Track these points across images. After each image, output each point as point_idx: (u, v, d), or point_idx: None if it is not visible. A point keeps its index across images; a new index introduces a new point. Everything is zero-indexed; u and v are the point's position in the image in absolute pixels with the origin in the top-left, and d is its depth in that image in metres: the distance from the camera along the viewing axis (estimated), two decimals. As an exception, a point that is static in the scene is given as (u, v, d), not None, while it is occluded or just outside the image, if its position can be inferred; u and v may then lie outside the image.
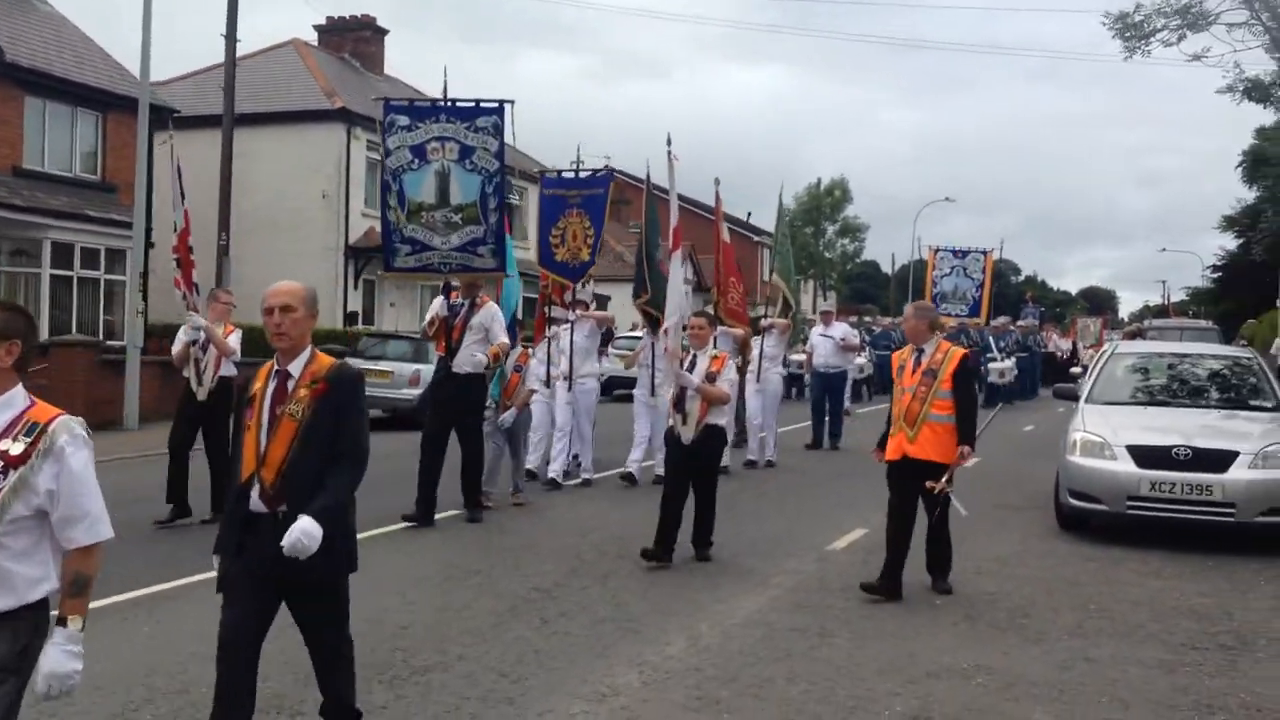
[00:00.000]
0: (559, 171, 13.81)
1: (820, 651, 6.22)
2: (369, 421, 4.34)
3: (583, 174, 13.37)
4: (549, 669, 5.80)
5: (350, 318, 28.43)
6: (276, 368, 4.18)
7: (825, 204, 52.63)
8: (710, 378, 8.28)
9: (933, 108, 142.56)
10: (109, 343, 20.02)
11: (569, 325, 12.19)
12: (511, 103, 10.03)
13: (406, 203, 9.99)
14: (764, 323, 14.68)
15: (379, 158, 12.30)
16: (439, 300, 9.87)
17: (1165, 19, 24.13)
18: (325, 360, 4.21)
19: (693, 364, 8.38)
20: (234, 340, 9.62)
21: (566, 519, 10.11)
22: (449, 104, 10.21)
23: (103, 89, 22.54)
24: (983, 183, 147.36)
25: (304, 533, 3.98)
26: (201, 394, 9.54)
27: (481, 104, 10.06)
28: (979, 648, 6.36)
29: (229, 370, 9.45)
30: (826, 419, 16.16)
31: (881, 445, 7.69)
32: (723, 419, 8.48)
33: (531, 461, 12.00)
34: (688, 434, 8.24)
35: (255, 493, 4.13)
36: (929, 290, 24.42)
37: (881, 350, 25.19)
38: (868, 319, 29.59)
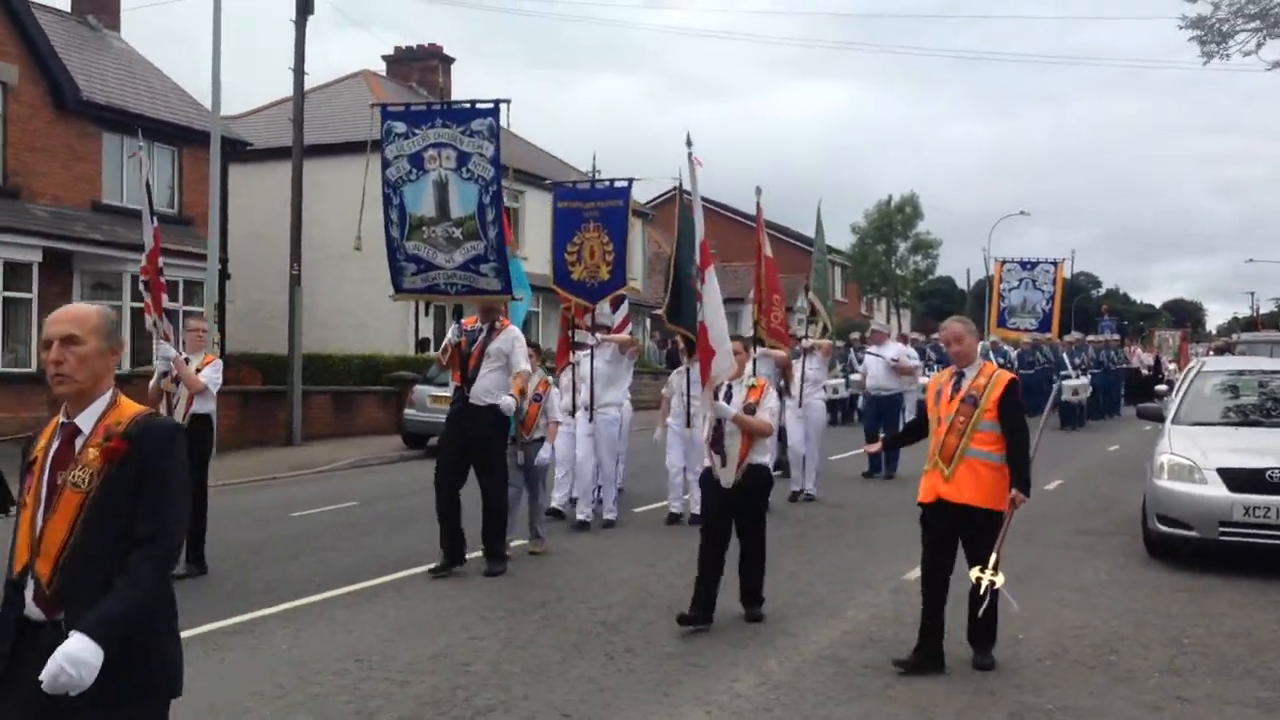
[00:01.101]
0: (574, 182, 12.63)
1: (895, 690, 5.97)
2: (188, 487, 3.29)
3: (599, 184, 12.20)
4: (613, 709, 5.64)
5: (422, 344, 28.60)
6: (63, 420, 3.14)
7: (896, 221, 51.93)
8: (749, 409, 7.25)
9: (1006, 121, 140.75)
10: (186, 373, 20.29)
11: (589, 351, 11.28)
12: (507, 102, 9.12)
13: (407, 218, 9.21)
14: (804, 343, 13.44)
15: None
16: (454, 327, 9.12)
17: (1245, 20, 23.35)
18: (128, 409, 3.13)
19: (729, 394, 7.36)
20: (210, 373, 8.78)
21: (633, 549, 9.94)
22: (444, 106, 9.47)
23: (177, 124, 23.01)
24: (1059, 195, 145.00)
25: (69, 660, 2.80)
26: None
27: (477, 105, 9.20)
28: (1064, 686, 6.06)
29: (204, 406, 8.76)
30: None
31: (884, 442, 7.73)
32: (766, 456, 7.40)
33: (557, 500, 11.15)
34: (728, 476, 7.18)
35: (30, 593, 3.02)
36: (995, 304, 23.75)
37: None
38: (935, 335, 29.15)
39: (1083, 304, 58.90)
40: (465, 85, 44.86)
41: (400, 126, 9.23)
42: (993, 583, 6.12)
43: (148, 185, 9.26)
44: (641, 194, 42.75)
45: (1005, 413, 6.20)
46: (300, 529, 11.22)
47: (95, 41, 24.33)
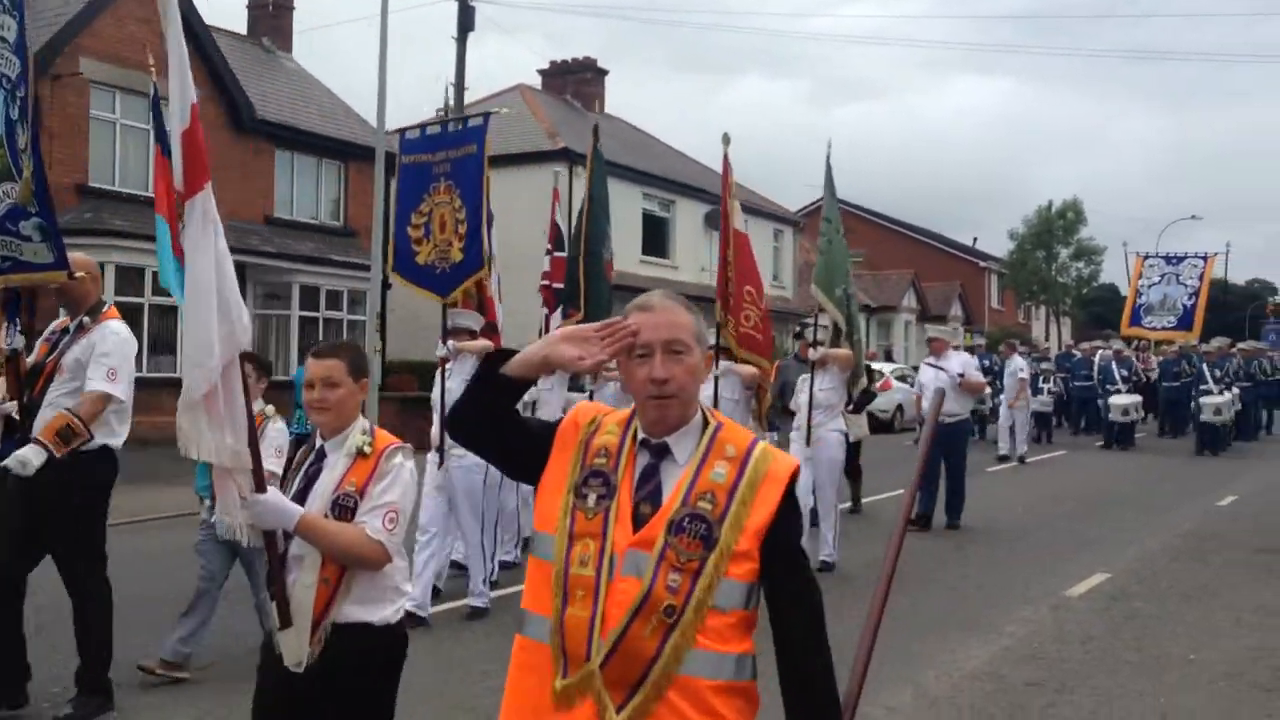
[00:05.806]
0: (421, 128, 9.07)
1: (1058, 709, 5.79)
2: None
3: (451, 127, 8.73)
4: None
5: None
6: None
7: (1057, 226, 50.35)
8: (340, 504, 3.30)
9: (1179, 120, 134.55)
10: (350, 379, 21.05)
11: (441, 367, 7.82)
12: None
13: None
14: (813, 354, 9.40)
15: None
16: (8, 329, 5.43)
17: None
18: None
19: (314, 470, 3.43)
20: None
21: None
22: None
23: (344, 140, 23.95)
24: (1235, 198, 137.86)
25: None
26: None
27: None
28: (1239, 710, 5.80)
29: None
30: (943, 486, 11.57)
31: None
32: (385, 607, 3.33)
33: (427, 578, 7.44)
34: (295, 649, 3.21)
35: None
36: (1131, 302, 21.52)
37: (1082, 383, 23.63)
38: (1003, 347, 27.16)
39: (1256, 313, 55.86)
40: (616, 95, 45.59)
41: None
42: None
43: None
44: (793, 201, 42.45)
45: (782, 563, 2.35)
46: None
47: (269, 63, 25.55)
